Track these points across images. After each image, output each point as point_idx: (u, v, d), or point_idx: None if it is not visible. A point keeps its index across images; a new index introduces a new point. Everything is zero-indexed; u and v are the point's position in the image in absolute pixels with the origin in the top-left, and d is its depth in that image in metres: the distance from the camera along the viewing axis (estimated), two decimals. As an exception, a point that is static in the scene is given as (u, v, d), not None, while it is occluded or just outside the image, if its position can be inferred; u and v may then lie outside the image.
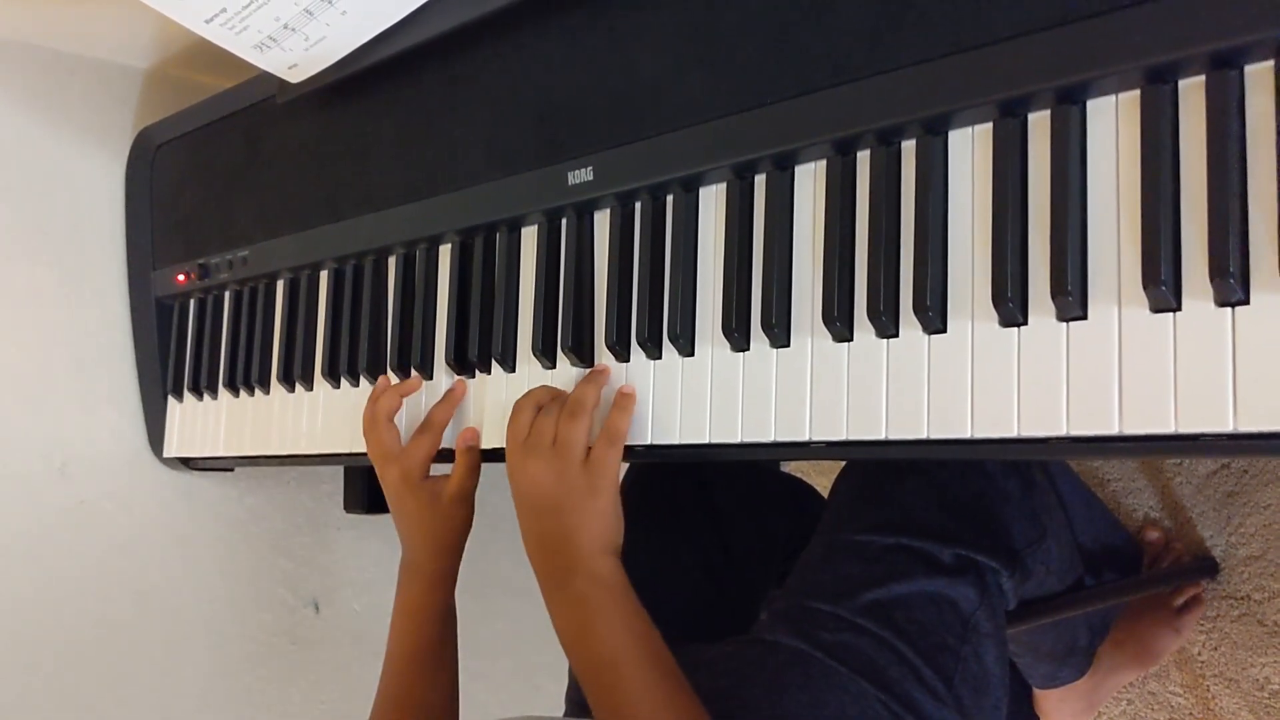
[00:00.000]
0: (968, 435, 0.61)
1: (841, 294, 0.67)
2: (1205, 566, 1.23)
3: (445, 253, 0.93)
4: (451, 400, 0.89)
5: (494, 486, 1.42)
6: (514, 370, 0.86)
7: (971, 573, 0.78)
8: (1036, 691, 1.23)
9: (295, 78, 0.96)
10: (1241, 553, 1.21)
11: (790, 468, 1.37)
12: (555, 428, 0.76)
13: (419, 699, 0.84)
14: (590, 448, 0.75)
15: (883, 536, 0.80)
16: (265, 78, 0.98)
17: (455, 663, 0.88)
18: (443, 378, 0.92)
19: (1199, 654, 1.24)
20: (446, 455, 0.89)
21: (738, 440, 0.72)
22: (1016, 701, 1.10)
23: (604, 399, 0.78)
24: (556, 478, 0.74)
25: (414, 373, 0.93)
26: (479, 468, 0.88)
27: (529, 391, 0.81)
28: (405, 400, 0.92)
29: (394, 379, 0.94)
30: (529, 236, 0.87)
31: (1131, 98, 0.58)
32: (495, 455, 0.87)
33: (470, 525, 0.89)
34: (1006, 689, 0.80)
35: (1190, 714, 1.25)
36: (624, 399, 0.76)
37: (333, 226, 0.99)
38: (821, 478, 1.44)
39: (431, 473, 0.89)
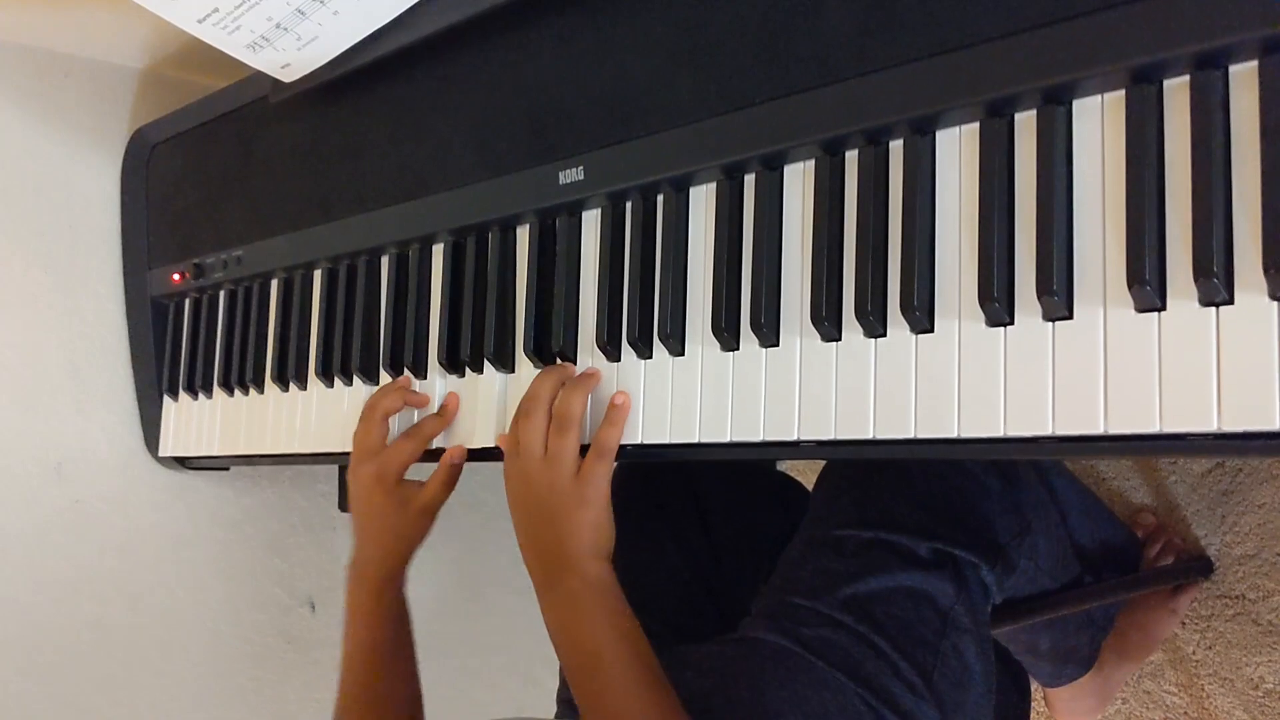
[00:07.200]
0: (954, 435, 0.62)
1: (830, 294, 0.67)
2: (1200, 565, 1.23)
3: (438, 252, 0.93)
4: (445, 416, 0.89)
5: (490, 487, 1.43)
6: (507, 370, 0.87)
7: (949, 567, 0.79)
8: (1047, 691, 1.23)
9: (288, 77, 0.96)
10: (1236, 552, 1.21)
11: (784, 466, 1.37)
12: (545, 433, 0.76)
13: (379, 695, 0.86)
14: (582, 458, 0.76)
15: (860, 531, 0.81)
16: (259, 77, 0.99)
17: (412, 655, 0.89)
18: (436, 378, 0.92)
19: (1194, 653, 1.24)
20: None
21: (727, 440, 0.72)
22: (1012, 698, 1.10)
23: (599, 400, 0.78)
24: (548, 487, 0.75)
25: (408, 374, 0.93)
26: (455, 484, 0.89)
27: (521, 405, 0.80)
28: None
29: (386, 379, 0.94)
30: (521, 236, 0.87)
31: (1117, 98, 0.58)
32: (486, 455, 0.87)
33: (426, 538, 0.90)
34: (992, 684, 0.80)
35: (1185, 713, 1.25)
36: (615, 411, 0.76)
37: (326, 226, 0.99)
38: (815, 475, 1.44)
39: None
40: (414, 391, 0.92)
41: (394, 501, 0.88)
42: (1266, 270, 0.51)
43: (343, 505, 1.18)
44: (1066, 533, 0.98)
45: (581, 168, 0.80)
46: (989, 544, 0.82)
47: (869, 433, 0.65)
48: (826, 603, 0.78)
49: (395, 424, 0.92)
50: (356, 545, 0.90)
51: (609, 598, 0.74)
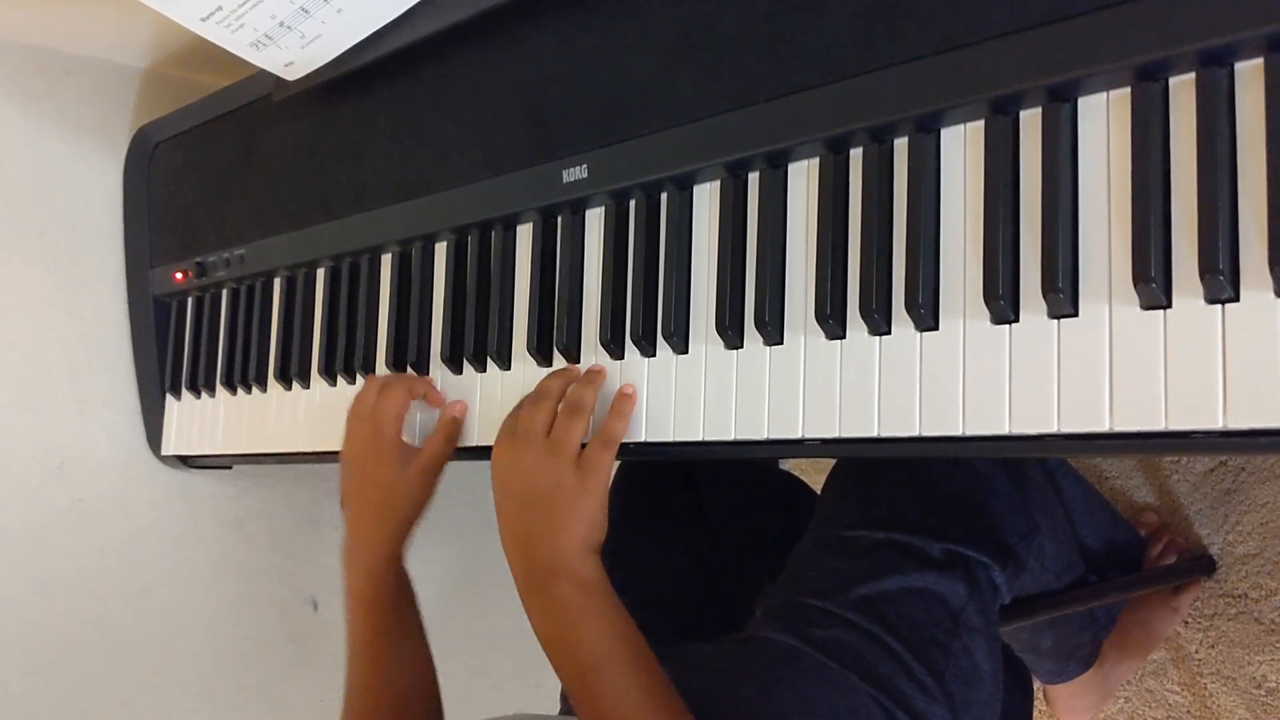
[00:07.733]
0: (959, 433, 0.61)
1: (834, 292, 0.67)
2: (1202, 564, 1.23)
3: (440, 251, 0.93)
4: (441, 400, 0.89)
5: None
6: (509, 368, 0.87)
7: (961, 567, 0.79)
8: (1047, 688, 1.23)
9: (291, 76, 0.96)
10: (1239, 550, 1.21)
11: (788, 465, 1.37)
12: (550, 421, 0.76)
13: (386, 684, 0.83)
14: (584, 446, 0.75)
15: (872, 532, 0.80)
16: (261, 76, 0.98)
17: (421, 637, 0.86)
18: (439, 375, 0.92)
19: (1196, 652, 1.24)
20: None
21: (731, 438, 0.72)
22: (1015, 696, 1.10)
23: (603, 397, 0.78)
24: (548, 472, 0.74)
25: (409, 372, 0.93)
26: (456, 440, 0.86)
27: (529, 395, 0.79)
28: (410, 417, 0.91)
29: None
30: (524, 234, 0.87)
31: (1122, 95, 0.58)
32: (486, 454, 0.87)
33: (428, 505, 0.86)
34: (999, 684, 0.80)
35: (1188, 712, 1.25)
36: (623, 401, 0.76)
37: (328, 225, 0.99)
38: (819, 475, 1.43)
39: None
40: (434, 386, 0.91)
41: (391, 462, 0.84)
42: (1272, 267, 0.51)
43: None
44: (1072, 533, 0.98)
45: (585, 166, 0.80)
46: (999, 545, 0.81)
47: (874, 431, 0.65)
48: (838, 603, 0.78)
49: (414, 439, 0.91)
50: (348, 524, 0.86)
51: (603, 600, 0.72)
